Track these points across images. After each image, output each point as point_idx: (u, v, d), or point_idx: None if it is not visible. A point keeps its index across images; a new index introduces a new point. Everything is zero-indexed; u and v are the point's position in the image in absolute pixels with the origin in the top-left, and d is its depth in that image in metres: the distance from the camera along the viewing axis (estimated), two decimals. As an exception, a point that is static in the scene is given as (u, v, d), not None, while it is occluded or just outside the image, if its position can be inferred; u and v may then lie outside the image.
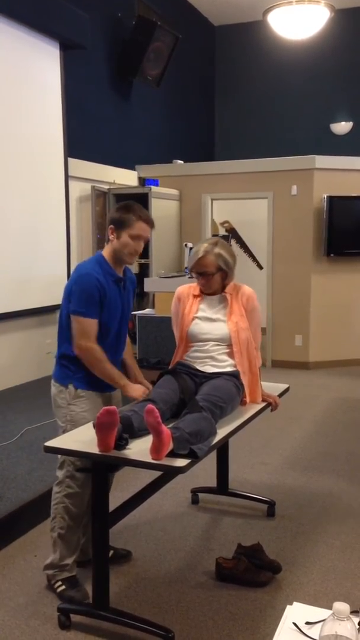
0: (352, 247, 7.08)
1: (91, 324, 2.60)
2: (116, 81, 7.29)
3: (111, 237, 2.67)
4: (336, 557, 3.04)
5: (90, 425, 2.50)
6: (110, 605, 2.45)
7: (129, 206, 2.68)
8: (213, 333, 2.92)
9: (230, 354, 2.91)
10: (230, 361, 2.90)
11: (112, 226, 2.67)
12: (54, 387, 2.75)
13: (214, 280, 2.93)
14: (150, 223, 2.70)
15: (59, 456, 2.69)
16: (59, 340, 2.76)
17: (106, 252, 2.71)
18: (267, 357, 7.25)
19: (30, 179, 5.72)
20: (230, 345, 2.90)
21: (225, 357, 2.90)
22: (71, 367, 2.69)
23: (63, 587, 2.67)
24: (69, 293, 2.64)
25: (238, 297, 2.97)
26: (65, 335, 2.70)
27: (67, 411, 2.69)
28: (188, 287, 3.07)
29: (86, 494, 2.69)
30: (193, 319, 2.96)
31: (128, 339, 2.92)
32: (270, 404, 3.05)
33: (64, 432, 2.68)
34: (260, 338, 3.05)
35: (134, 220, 2.64)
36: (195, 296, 3.02)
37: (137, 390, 2.69)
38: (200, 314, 2.97)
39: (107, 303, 2.64)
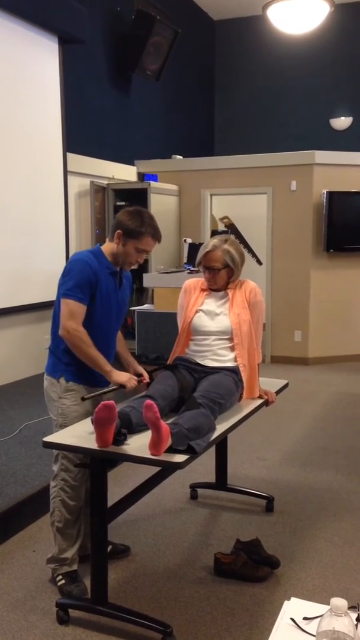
0: (352, 243, 7.07)
1: (79, 308, 2.58)
2: (115, 76, 7.27)
3: (116, 241, 2.66)
4: (334, 552, 3.04)
5: (88, 420, 2.50)
6: (108, 601, 2.46)
7: (142, 217, 2.65)
8: (215, 326, 2.92)
9: (232, 349, 2.91)
10: (231, 356, 2.90)
11: (120, 232, 2.64)
12: (46, 381, 2.76)
13: (219, 276, 2.94)
14: (158, 239, 2.70)
15: (54, 450, 2.68)
16: (52, 333, 2.76)
17: (106, 248, 2.70)
18: (267, 353, 7.25)
19: (28, 174, 5.70)
20: (231, 339, 2.91)
21: (226, 352, 2.91)
22: (63, 359, 2.68)
23: (63, 581, 2.69)
24: (62, 277, 2.63)
25: (242, 290, 2.98)
26: (58, 326, 2.69)
27: (59, 404, 2.69)
28: (196, 281, 3.09)
29: (82, 486, 2.69)
30: (197, 312, 2.97)
31: (120, 334, 2.91)
32: (266, 400, 3.05)
33: (57, 425, 2.68)
34: (261, 334, 3.05)
35: (144, 235, 2.63)
36: (202, 290, 3.05)
37: (122, 376, 2.64)
38: (204, 307, 2.98)
39: (100, 295, 2.62)
